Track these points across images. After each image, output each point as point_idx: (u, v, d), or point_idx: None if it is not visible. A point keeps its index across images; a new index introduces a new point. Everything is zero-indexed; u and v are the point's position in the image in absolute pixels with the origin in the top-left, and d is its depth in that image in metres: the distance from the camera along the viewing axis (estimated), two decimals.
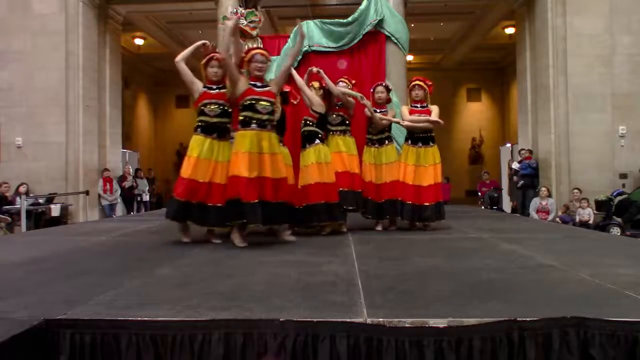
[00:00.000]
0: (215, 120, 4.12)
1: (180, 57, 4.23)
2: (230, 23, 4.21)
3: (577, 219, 8.81)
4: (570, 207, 9.04)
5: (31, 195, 9.20)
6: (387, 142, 5.26)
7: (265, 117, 3.99)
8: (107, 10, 11.10)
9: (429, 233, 4.90)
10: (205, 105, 4.12)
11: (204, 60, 4.22)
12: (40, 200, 9.36)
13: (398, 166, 5.11)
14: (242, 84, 4.06)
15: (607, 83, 9.44)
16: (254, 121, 3.96)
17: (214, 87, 4.17)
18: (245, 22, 8.12)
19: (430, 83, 5.22)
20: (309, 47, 8.06)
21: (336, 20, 8.36)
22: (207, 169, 4.04)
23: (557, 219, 8.93)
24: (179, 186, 4.06)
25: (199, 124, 4.14)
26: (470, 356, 1.86)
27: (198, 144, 4.07)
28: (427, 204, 4.89)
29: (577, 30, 9.46)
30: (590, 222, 8.71)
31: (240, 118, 4.02)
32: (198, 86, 4.17)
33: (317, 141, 4.81)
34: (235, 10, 8.36)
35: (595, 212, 8.85)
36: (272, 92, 4.11)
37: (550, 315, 1.94)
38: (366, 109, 5.15)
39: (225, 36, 4.19)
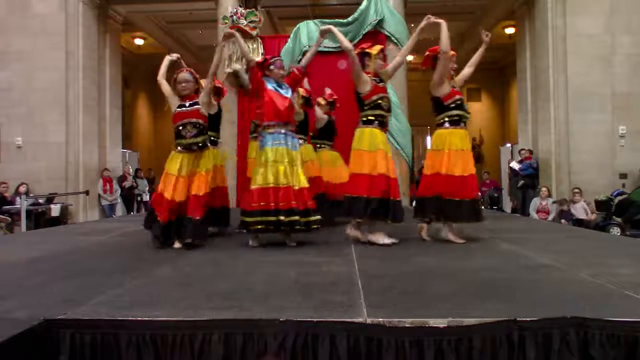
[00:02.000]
0: (387, 114, 4.19)
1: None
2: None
3: (572, 212, 8.77)
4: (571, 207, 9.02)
5: (31, 195, 9.19)
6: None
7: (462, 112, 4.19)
8: (107, 10, 11.09)
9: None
10: (381, 99, 4.11)
11: (375, 51, 4.17)
12: (40, 200, 9.35)
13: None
14: (447, 86, 4.17)
15: (607, 83, 9.44)
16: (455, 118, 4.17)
17: (378, 79, 4.19)
18: (245, 22, 8.13)
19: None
20: (309, 47, 8.06)
21: (336, 20, 8.35)
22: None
23: (562, 220, 8.91)
24: (366, 184, 3.93)
25: (373, 117, 4.08)
26: (470, 356, 1.87)
27: (382, 138, 4.07)
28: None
29: (577, 30, 9.45)
30: (585, 217, 8.67)
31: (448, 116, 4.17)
32: (367, 77, 4.10)
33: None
34: (235, 10, 8.38)
35: (596, 212, 8.85)
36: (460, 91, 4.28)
37: (550, 315, 1.94)
38: None
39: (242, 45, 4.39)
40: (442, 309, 2.08)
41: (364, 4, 8.36)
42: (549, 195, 9.39)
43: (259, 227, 3.89)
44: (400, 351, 1.87)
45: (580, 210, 8.73)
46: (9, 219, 8.58)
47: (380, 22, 8.29)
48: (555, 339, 1.88)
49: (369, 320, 1.94)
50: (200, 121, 4.05)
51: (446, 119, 4.17)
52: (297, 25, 8.54)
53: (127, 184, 11.27)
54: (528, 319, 1.91)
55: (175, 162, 3.98)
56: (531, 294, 2.37)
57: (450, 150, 4.09)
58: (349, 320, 1.94)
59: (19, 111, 9.77)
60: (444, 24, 4.14)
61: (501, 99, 18.07)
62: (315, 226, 3.98)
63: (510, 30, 13.30)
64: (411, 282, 2.66)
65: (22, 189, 9.09)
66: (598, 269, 2.87)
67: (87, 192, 10.03)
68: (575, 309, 2.01)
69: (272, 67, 4.12)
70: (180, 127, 4.00)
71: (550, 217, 9.06)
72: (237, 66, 5.71)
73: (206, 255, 3.63)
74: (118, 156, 11.82)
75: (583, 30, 9.44)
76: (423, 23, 4.24)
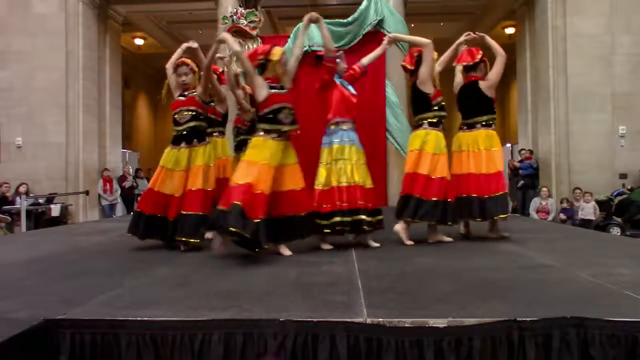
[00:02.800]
0: None
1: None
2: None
3: (579, 214, 8.76)
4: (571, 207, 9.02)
5: (31, 195, 9.19)
6: None
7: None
8: (107, 10, 11.08)
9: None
10: (443, 101, 4.19)
11: (435, 55, 4.19)
12: (40, 200, 9.35)
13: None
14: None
15: (607, 83, 9.44)
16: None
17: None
18: (245, 22, 8.13)
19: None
20: (309, 47, 8.06)
21: (336, 20, 8.36)
22: None
23: (560, 213, 8.90)
24: (438, 186, 4.04)
25: (437, 119, 4.13)
26: (470, 356, 1.87)
27: (444, 143, 4.13)
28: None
29: (577, 30, 9.45)
30: (593, 218, 8.66)
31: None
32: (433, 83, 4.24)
33: None
34: (235, 10, 8.38)
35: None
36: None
37: (550, 315, 1.94)
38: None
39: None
40: (442, 309, 2.08)
41: (364, 4, 8.36)
42: (549, 196, 9.40)
43: (338, 228, 3.76)
44: (400, 351, 1.87)
45: (590, 211, 8.72)
46: (9, 218, 8.57)
47: (380, 22, 8.30)
48: (555, 339, 1.88)
49: (369, 320, 1.94)
50: None
51: (494, 121, 4.34)
52: (297, 25, 8.52)
53: (127, 184, 11.27)
54: (528, 319, 1.91)
55: (267, 150, 3.45)
56: (531, 294, 2.37)
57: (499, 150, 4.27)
58: (349, 320, 1.94)
59: (19, 111, 9.77)
60: (486, 36, 4.32)
61: (501, 99, 18.04)
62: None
63: (510, 30, 13.29)
64: (411, 282, 2.66)
65: (22, 189, 9.09)
66: (598, 269, 2.87)
67: (87, 192, 10.03)
68: (575, 309, 2.01)
69: (338, 60, 3.99)
70: (278, 111, 3.54)
71: (550, 217, 9.07)
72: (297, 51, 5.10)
73: (205, 256, 3.62)
74: (118, 156, 11.82)
75: (583, 30, 9.44)
76: (462, 38, 4.36)
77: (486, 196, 4.09)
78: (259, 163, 3.40)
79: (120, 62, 12.01)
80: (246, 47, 7.63)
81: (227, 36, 3.88)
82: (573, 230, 6.18)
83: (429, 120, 4.09)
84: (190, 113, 4.01)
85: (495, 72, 4.26)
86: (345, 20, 8.27)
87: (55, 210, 9.16)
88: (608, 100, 9.44)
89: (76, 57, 9.97)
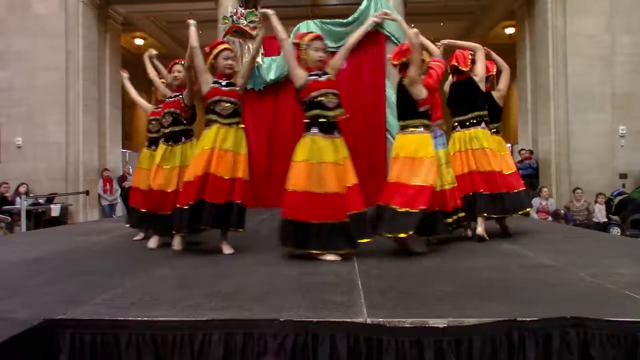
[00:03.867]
0: None
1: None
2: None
3: (595, 217, 8.69)
4: (572, 208, 9.01)
5: (31, 195, 9.18)
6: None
7: None
8: (107, 10, 11.09)
9: None
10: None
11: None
12: (40, 200, 9.34)
13: None
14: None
15: (607, 83, 9.43)
16: None
17: None
18: (245, 22, 8.13)
19: None
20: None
21: (336, 20, 8.36)
22: None
23: (562, 211, 8.91)
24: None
25: (487, 118, 4.29)
26: (470, 356, 1.87)
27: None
28: None
29: (577, 30, 9.45)
30: (606, 219, 8.63)
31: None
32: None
33: None
34: (235, 10, 8.38)
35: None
36: None
37: (550, 315, 1.94)
38: None
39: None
40: (442, 309, 2.08)
41: (364, 4, 8.36)
42: (550, 196, 9.40)
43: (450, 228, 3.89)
44: (400, 351, 1.87)
45: (603, 212, 8.71)
46: (9, 218, 8.57)
47: (380, 23, 8.28)
48: (555, 339, 1.88)
49: (369, 321, 1.94)
50: None
51: (501, 129, 4.63)
52: (297, 25, 8.54)
53: (127, 184, 11.24)
54: (528, 319, 1.91)
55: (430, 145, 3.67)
56: (531, 294, 2.37)
57: None
58: (349, 320, 1.94)
59: (19, 111, 9.76)
60: (491, 51, 4.76)
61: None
62: None
63: (510, 30, 13.29)
64: (411, 282, 2.66)
65: (22, 189, 9.08)
66: (598, 269, 2.87)
67: (87, 192, 10.03)
68: (575, 309, 2.01)
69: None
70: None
71: (550, 218, 9.06)
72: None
73: (205, 256, 3.62)
74: (118, 156, 11.82)
75: (583, 30, 9.44)
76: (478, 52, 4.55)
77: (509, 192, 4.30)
78: (430, 159, 3.52)
79: (120, 62, 11.98)
80: (246, 47, 7.63)
81: (397, 16, 4.00)
82: (573, 230, 6.19)
83: (485, 118, 4.24)
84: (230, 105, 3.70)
85: (505, 84, 4.63)
86: (345, 20, 8.27)
87: (55, 210, 9.15)
88: (608, 100, 9.43)
89: (76, 57, 9.96)
